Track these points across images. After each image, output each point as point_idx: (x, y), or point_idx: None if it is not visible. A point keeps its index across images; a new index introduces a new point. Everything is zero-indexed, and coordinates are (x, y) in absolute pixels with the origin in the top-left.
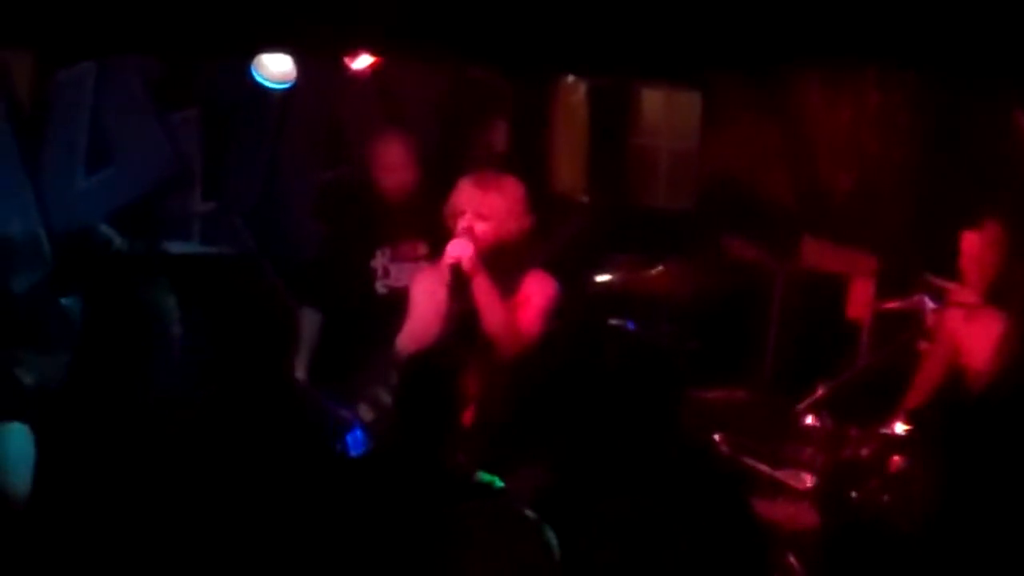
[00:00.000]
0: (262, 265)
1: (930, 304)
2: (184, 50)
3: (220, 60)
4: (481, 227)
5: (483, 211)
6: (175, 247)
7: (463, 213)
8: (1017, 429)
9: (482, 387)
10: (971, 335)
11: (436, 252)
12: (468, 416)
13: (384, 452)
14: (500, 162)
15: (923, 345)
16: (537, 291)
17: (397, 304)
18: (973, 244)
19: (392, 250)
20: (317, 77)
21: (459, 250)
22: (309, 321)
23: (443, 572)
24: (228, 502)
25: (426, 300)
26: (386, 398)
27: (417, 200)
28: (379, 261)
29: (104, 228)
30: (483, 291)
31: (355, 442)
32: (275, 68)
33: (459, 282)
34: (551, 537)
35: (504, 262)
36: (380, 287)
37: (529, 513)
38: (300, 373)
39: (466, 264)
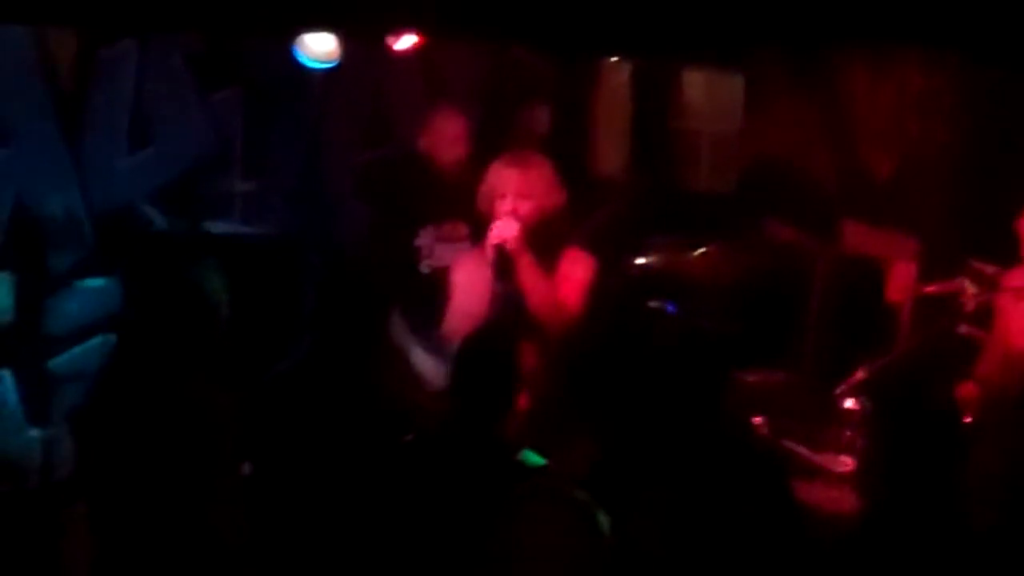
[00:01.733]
0: (303, 246)
1: (971, 288)
2: (227, 29)
3: (263, 39)
4: (525, 207)
5: (525, 190)
6: (216, 227)
7: (504, 195)
8: None
9: (536, 367)
10: (1020, 319)
11: (476, 233)
12: (524, 396)
13: (437, 432)
14: (542, 143)
15: (964, 328)
16: (576, 268)
17: (441, 283)
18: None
19: (436, 230)
20: (360, 57)
21: (504, 231)
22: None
23: (495, 551)
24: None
25: (470, 283)
26: (432, 377)
27: (463, 179)
28: (424, 240)
29: (145, 207)
30: (528, 270)
31: None
32: (318, 47)
33: (504, 263)
34: (603, 519)
35: (544, 240)
36: (424, 267)
37: (581, 495)
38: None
39: (511, 244)
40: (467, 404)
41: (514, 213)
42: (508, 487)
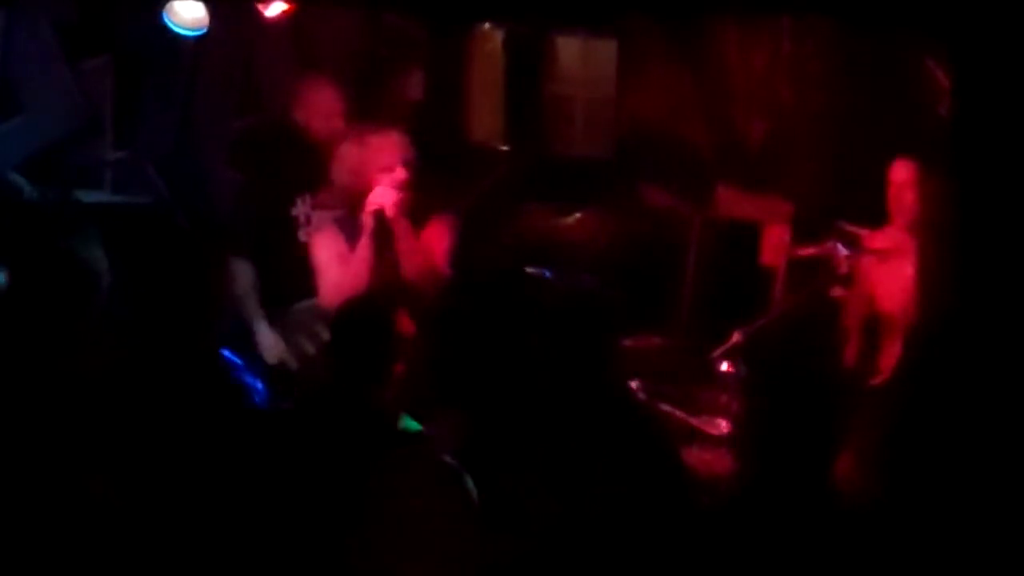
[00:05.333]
0: (175, 214)
1: (842, 250)
2: None
3: (131, 5)
4: (404, 176)
5: (406, 160)
6: (87, 196)
7: (391, 166)
8: (936, 373)
9: (412, 333)
10: (885, 280)
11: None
12: (401, 362)
13: (314, 400)
14: (415, 110)
15: (836, 291)
16: (438, 235)
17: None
18: (894, 185)
19: (313, 198)
20: (230, 23)
21: (383, 197)
22: (242, 272)
23: (369, 516)
24: (157, 458)
25: (341, 254)
26: (310, 347)
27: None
28: (300, 209)
29: (14, 177)
30: (405, 237)
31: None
32: (187, 14)
33: (383, 229)
34: (470, 485)
35: (415, 209)
36: (302, 235)
37: (449, 460)
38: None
39: (390, 211)
40: (346, 371)
41: (394, 182)
42: (382, 454)
